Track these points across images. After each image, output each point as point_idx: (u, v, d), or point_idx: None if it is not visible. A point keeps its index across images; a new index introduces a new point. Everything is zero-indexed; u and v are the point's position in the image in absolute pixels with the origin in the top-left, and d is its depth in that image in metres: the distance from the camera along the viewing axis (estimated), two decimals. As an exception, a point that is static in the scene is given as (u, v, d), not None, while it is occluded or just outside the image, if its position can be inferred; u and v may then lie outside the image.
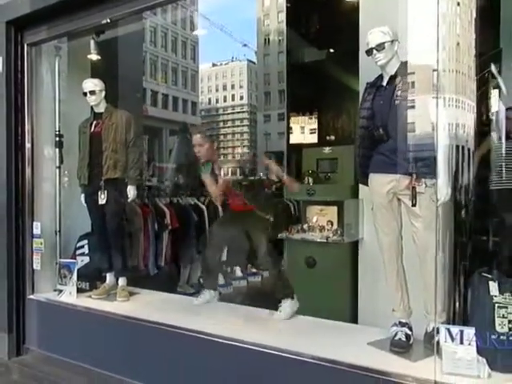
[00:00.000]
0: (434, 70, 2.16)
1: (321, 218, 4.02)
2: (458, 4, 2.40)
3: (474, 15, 2.41)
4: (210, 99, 44.11)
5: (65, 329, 3.32)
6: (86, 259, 3.74)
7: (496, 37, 3.45)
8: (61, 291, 3.44)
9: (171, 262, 4.58)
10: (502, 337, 1.98)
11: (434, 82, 2.16)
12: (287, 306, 2.89)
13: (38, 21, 3.47)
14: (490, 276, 2.11)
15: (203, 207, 4.82)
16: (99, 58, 3.67)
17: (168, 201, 4.77)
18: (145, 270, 4.30)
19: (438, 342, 2.01)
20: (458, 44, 2.36)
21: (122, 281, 3.44)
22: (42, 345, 3.47)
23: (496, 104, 3.03)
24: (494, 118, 3.00)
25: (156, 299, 3.49)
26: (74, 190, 3.60)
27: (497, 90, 3.05)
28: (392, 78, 2.30)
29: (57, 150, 3.80)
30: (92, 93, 3.36)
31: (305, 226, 4.03)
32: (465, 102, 2.34)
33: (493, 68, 3.00)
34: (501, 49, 3.39)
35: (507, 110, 2.84)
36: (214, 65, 43.67)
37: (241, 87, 42.87)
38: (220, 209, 4.45)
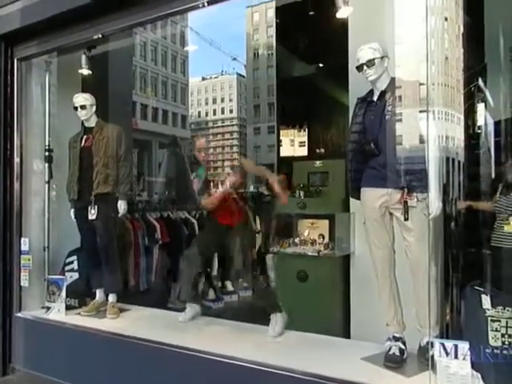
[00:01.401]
0: (420, 84, 2.19)
1: (312, 232, 4.02)
2: (446, 19, 2.45)
3: (462, 30, 2.46)
4: (199, 112, 44.26)
5: (53, 347, 3.24)
6: (75, 275, 3.68)
7: (481, 52, 3.53)
8: (49, 308, 3.37)
9: (162, 277, 4.52)
10: (495, 350, 1.98)
11: (420, 96, 2.19)
12: (277, 321, 2.86)
13: (28, 36, 3.46)
14: (482, 289, 2.12)
15: (194, 221, 4.80)
16: (90, 72, 3.66)
17: (158, 215, 4.74)
18: (135, 286, 4.24)
19: (432, 357, 2.00)
20: (446, 58, 2.40)
21: (111, 297, 3.39)
22: (29, 364, 3.38)
23: (484, 117, 3.08)
24: (481, 130, 3.05)
25: (146, 315, 3.44)
26: (64, 205, 3.55)
27: (484, 104, 3.11)
28: (382, 94, 2.34)
29: (46, 164, 3.76)
30: (83, 107, 3.35)
31: (296, 240, 4.02)
32: (454, 115, 2.38)
33: (480, 82, 3.06)
34: (486, 63, 3.46)
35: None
36: (203, 78, 43.92)
37: (230, 100, 43.12)
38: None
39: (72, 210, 3.42)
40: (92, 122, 3.41)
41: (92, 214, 3.26)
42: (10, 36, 3.51)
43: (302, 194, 4.10)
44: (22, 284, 3.53)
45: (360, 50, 2.36)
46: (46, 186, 3.77)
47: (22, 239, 3.56)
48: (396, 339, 2.34)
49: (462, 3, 2.38)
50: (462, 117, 2.37)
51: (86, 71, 3.63)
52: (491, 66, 3.41)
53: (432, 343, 2.02)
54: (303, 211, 3.99)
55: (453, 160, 2.29)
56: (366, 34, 2.63)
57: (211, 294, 4.77)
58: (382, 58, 2.32)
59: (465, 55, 2.46)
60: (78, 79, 3.93)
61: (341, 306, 3.48)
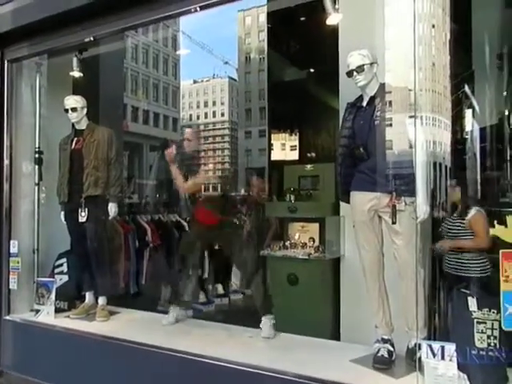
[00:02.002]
0: (409, 90, 2.23)
1: (303, 235, 4.04)
2: (433, 26, 2.50)
3: (448, 37, 2.51)
4: (191, 115, 44.16)
5: (42, 350, 3.22)
6: (65, 278, 3.65)
7: (469, 59, 3.59)
8: (38, 311, 3.35)
9: (152, 280, 4.51)
10: (481, 352, 2.01)
11: (410, 101, 2.23)
12: (268, 322, 2.88)
13: (19, 37, 3.45)
14: (468, 292, 2.16)
15: (185, 224, 4.79)
16: (81, 74, 3.65)
17: (149, 218, 4.73)
18: (125, 289, 4.23)
19: (419, 358, 2.03)
20: (433, 64, 2.45)
21: (101, 300, 3.38)
22: (18, 367, 3.34)
23: (471, 123, 3.14)
24: (468, 136, 3.11)
25: (137, 318, 3.43)
26: (54, 208, 3.53)
27: (471, 110, 3.16)
28: (372, 99, 2.38)
29: (36, 166, 3.74)
30: (74, 110, 3.34)
31: (287, 243, 4.04)
32: (441, 121, 2.42)
33: (466, 88, 3.12)
34: (473, 70, 3.53)
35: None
36: (195, 81, 43.85)
37: (222, 104, 43.10)
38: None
39: (62, 213, 3.41)
40: (83, 125, 3.40)
41: (82, 216, 3.25)
42: (1, 37, 3.48)
43: (292, 197, 4.12)
44: (10, 287, 3.50)
45: (350, 56, 2.40)
46: (36, 188, 3.75)
47: (11, 241, 3.53)
48: (384, 341, 2.37)
49: (449, 11, 2.42)
50: (449, 122, 2.41)
51: (77, 73, 3.63)
52: (478, 72, 3.48)
53: (419, 345, 2.05)
54: (294, 215, 4.01)
55: (440, 165, 2.33)
56: (356, 40, 2.67)
57: (202, 297, 4.77)
58: (371, 64, 2.36)
59: (452, 62, 2.51)
60: (69, 81, 3.93)
61: (331, 309, 3.50)
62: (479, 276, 2.81)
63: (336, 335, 3.23)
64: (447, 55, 2.54)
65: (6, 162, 3.57)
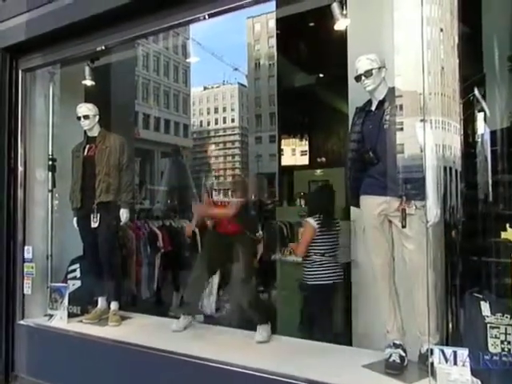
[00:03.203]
0: (420, 94, 2.23)
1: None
2: (441, 30, 2.50)
3: (457, 41, 2.51)
4: (201, 122, 44.43)
5: (55, 355, 3.26)
6: (78, 283, 3.69)
7: (480, 62, 3.57)
8: (51, 316, 3.39)
9: (164, 286, 4.54)
10: (494, 357, 1.99)
11: (420, 105, 2.23)
12: (264, 329, 2.89)
13: (33, 48, 3.53)
14: (481, 296, 2.13)
15: (196, 230, 4.81)
16: (93, 83, 3.72)
17: (160, 223, 4.77)
18: (137, 294, 4.26)
19: (432, 364, 2.01)
20: (442, 68, 2.44)
21: (113, 305, 3.41)
22: (32, 371, 3.39)
23: (481, 127, 3.11)
24: (479, 139, 3.08)
25: (148, 323, 3.45)
26: (67, 214, 3.59)
27: (482, 113, 3.13)
28: (380, 103, 2.38)
29: (49, 173, 3.81)
30: (86, 117, 3.40)
31: (297, 248, 4.02)
32: (451, 124, 2.41)
33: (476, 92, 3.09)
34: (484, 74, 3.50)
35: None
36: (205, 88, 44.12)
37: (232, 110, 43.28)
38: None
39: (75, 219, 3.46)
40: (95, 132, 3.45)
41: (94, 222, 3.29)
42: (15, 48, 3.57)
43: (302, 202, 4.13)
44: (24, 292, 3.56)
45: (358, 61, 2.41)
46: (49, 194, 3.81)
47: (26, 247, 3.59)
48: (396, 346, 2.35)
49: (458, 14, 2.42)
50: (459, 126, 2.40)
51: (89, 82, 3.69)
52: (489, 75, 3.45)
53: (432, 350, 2.04)
54: (304, 219, 4.01)
55: (450, 169, 2.32)
56: (365, 45, 2.68)
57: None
58: (379, 68, 2.36)
59: (462, 65, 2.50)
60: (81, 90, 3.99)
61: (342, 314, 3.48)
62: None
63: (347, 340, 3.21)
64: (456, 59, 2.53)
65: (21, 169, 3.64)
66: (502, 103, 2.91)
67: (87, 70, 3.62)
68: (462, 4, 2.50)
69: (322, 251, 3.33)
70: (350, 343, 3.15)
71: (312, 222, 3.34)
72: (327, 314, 3.40)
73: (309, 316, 3.47)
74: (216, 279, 3.65)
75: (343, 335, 3.24)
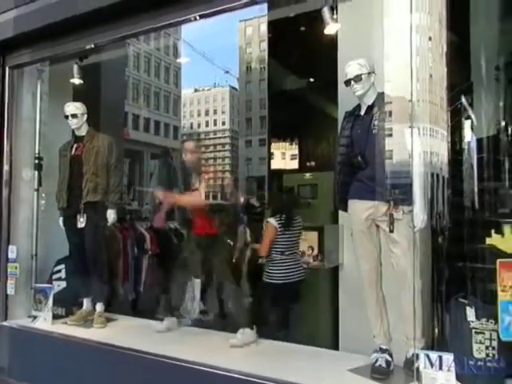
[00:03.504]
0: (409, 101, 2.25)
1: (301, 244, 4.04)
2: (430, 39, 2.53)
3: (445, 49, 2.54)
4: (191, 124, 44.33)
5: (38, 357, 3.20)
6: (63, 284, 3.64)
7: (467, 70, 3.62)
8: (35, 317, 3.34)
9: (151, 288, 4.49)
10: (479, 362, 2.00)
11: (409, 112, 2.25)
12: (241, 334, 2.88)
13: (20, 44, 3.49)
14: (466, 301, 2.15)
15: (184, 232, 4.78)
16: (82, 82, 3.68)
17: (148, 225, 4.72)
18: (123, 296, 4.21)
19: (417, 368, 2.02)
20: (430, 76, 2.47)
21: (99, 306, 3.37)
22: (14, 374, 3.32)
23: (468, 134, 3.15)
24: (466, 147, 3.12)
25: (134, 325, 3.42)
26: (52, 213, 3.54)
27: (469, 121, 3.17)
28: (369, 108, 2.39)
29: (36, 172, 3.75)
30: (74, 116, 3.36)
31: (286, 251, 4.03)
32: (438, 132, 2.44)
33: (463, 100, 3.13)
34: (472, 82, 3.55)
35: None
36: (196, 90, 44.06)
37: (223, 113, 43.27)
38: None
39: (61, 218, 3.42)
40: (83, 131, 3.42)
41: (81, 222, 3.26)
42: (3, 44, 3.53)
43: (291, 205, 4.12)
44: (8, 292, 3.50)
45: (348, 66, 2.42)
46: (35, 193, 3.76)
47: (10, 247, 3.54)
48: (383, 351, 2.35)
49: (446, 23, 2.45)
50: (446, 133, 2.43)
51: (77, 81, 3.65)
52: (476, 84, 3.50)
53: (417, 355, 2.04)
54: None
55: (437, 175, 2.34)
56: (355, 50, 2.70)
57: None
58: (368, 73, 2.38)
59: (449, 74, 2.53)
60: (69, 88, 3.95)
61: (329, 318, 3.49)
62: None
63: (335, 344, 3.22)
64: (444, 67, 2.56)
65: (6, 167, 3.59)
66: (488, 111, 2.96)
67: (75, 68, 3.58)
68: (451, 13, 2.54)
69: (283, 249, 3.45)
70: (337, 347, 3.16)
71: (273, 222, 3.46)
72: (290, 313, 3.51)
73: (266, 314, 3.51)
74: (198, 283, 3.64)
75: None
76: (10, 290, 3.49)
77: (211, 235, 3.12)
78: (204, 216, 3.13)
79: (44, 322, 3.29)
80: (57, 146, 3.54)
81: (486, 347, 2.03)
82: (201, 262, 3.22)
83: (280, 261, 3.44)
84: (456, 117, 2.97)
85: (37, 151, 3.80)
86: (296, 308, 3.58)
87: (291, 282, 3.42)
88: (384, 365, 2.29)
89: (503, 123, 2.99)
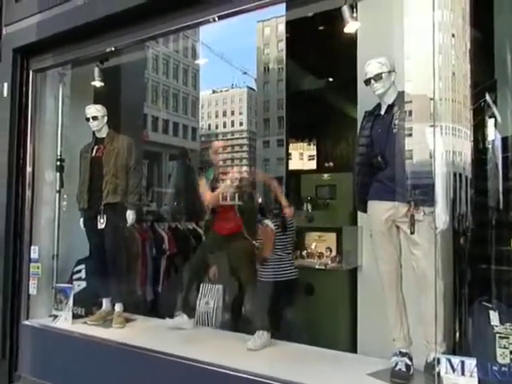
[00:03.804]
0: (430, 99, 2.20)
1: (319, 245, 4.01)
2: (453, 36, 2.47)
3: (469, 46, 2.48)
4: (209, 125, 44.51)
5: (58, 355, 3.25)
6: (83, 284, 3.70)
7: (491, 68, 3.53)
8: (56, 317, 3.39)
9: (169, 288, 4.52)
10: (503, 368, 1.95)
11: (430, 111, 2.20)
12: (258, 337, 2.86)
13: (44, 49, 3.56)
14: (490, 305, 2.09)
15: (201, 232, 4.81)
16: (102, 84, 3.73)
17: (166, 226, 4.76)
18: (142, 296, 4.25)
19: (438, 373, 1.98)
20: (453, 74, 2.41)
21: (118, 307, 3.40)
22: (35, 372, 3.40)
23: (492, 133, 3.07)
24: (490, 146, 3.04)
25: (152, 326, 3.44)
26: (73, 214, 3.60)
27: (493, 119, 3.10)
28: (390, 107, 2.36)
29: (57, 174, 3.82)
30: (94, 118, 3.41)
31: (303, 253, 4.01)
32: (461, 130, 2.38)
33: (487, 98, 3.06)
34: (495, 79, 3.46)
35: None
36: (214, 91, 44.18)
37: (240, 113, 43.31)
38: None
39: (81, 219, 3.47)
40: (103, 133, 3.46)
41: (101, 223, 3.30)
42: (26, 49, 3.61)
43: (309, 206, 4.10)
44: (30, 292, 3.57)
45: (368, 65, 2.39)
46: (57, 195, 3.82)
47: (32, 247, 3.61)
48: (402, 354, 2.31)
49: (470, 20, 2.39)
50: (470, 132, 2.37)
51: (98, 83, 3.71)
52: (501, 81, 3.41)
53: (438, 359, 2.00)
54: (311, 224, 3.99)
55: (460, 175, 2.28)
56: (375, 49, 2.66)
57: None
58: (389, 72, 2.34)
59: (473, 71, 2.47)
60: (90, 91, 4.02)
61: (348, 320, 3.45)
62: None
63: (353, 347, 3.18)
64: (467, 64, 2.50)
65: (29, 169, 3.66)
66: (513, 109, 2.88)
67: (97, 70, 3.64)
68: (474, 9, 2.48)
69: (276, 250, 3.46)
70: (355, 350, 3.12)
71: (270, 224, 3.49)
72: (286, 311, 3.51)
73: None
74: (219, 289, 3.65)
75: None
76: (32, 290, 3.56)
77: (228, 233, 3.16)
78: (226, 215, 3.19)
79: (64, 321, 3.34)
80: (78, 148, 3.60)
81: (511, 352, 1.97)
82: (227, 264, 3.25)
83: (273, 260, 3.45)
84: (479, 115, 2.90)
85: (59, 153, 3.86)
86: (312, 309, 3.56)
87: (283, 281, 3.41)
88: (404, 369, 2.25)
89: (529, 122, 2.90)
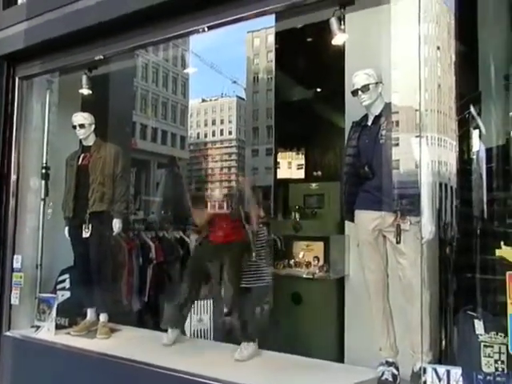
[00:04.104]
0: (416, 110, 2.24)
1: (307, 254, 4.02)
2: (438, 48, 2.52)
3: (454, 59, 2.53)
4: (198, 133, 44.44)
5: (41, 367, 3.18)
6: (67, 294, 3.62)
7: (476, 80, 3.60)
8: (38, 327, 3.33)
9: (155, 298, 4.47)
10: (488, 377, 1.96)
11: (417, 122, 2.23)
12: (245, 348, 2.82)
13: (31, 56, 3.53)
14: (475, 314, 2.11)
15: (189, 241, 4.77)
16: (90, 92, 3.71)
17: (154, 234, 4.72)
18: (128, 306, 4.19)
19: (425, 382, 1.98)
20: (439, 86, 2.46)
21: (103, 317, 3.35)
22: (17, 384, 3.31)
23: (477, 144, 3.12)
24: (474, 157, 3.09)
25: (138, 336, 3.40)
26: (58, 223, 3.54)
27: (477, 131, 3.15)
28: (377, 118, 2.38)
29: (43, 181, 3.77)
30: (81, 126, 3.38)
31: (291, 262, 4.01)
32: (446, 141, 2.42)
33: (472, 109, 3.11)
34: (480, 91, 3.53)
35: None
36: (203, 100, 44.22)
37: (229, 122, 43.30)
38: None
39: (66, 228, 3.42)
40: (90, 141, 3.44)
41: (86, 232, 3.25)
42: (13, 56, 3.58)
43: (297, 215, 4.11)
44: (12, 302, 3.49)
45: (355, 76, 2.42)
46: (42, 203, 3.77)
47: (15, 256, 3.54)
48: (389, 364, 2.31)
49: (454, 33, 2.44)
50: (455, 143, 2.41)
51: (86, 91, 3.68)
52: (485, 93, 3.48)
53: (425, 368, 2.00)
54: (298, 233, 3.99)
55: (445, 185, 2.32)
56: (362, 60, 2.70)
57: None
58: (376, 83, 2.37)
59: (458, 83, 2.52)
60: (78, 98, 3.98)
61: (335, 330, 3.44)
62: None
63: (340, 357, 3.17)
64: (453, 76, 2.55)
65: (14, 176, 3.61)
66: (497, 121, 2.93)
67: (84, 78, 3.61)
68: (459, 23, 2.53)
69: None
70: (342, 359, 3.11)
71: None
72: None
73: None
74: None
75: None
76: (14, 300, 3.48)
77: (222, 242, 3.12)
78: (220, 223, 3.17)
79: (47, 332, 3.27)
80: (64, 155, 3.56)
81: (495, 361, 1.98)
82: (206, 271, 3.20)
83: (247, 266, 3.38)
84: (464, 126, 2.95)
85: (44, 161, 3.82)
86: (299, 318, 3.54)
87: (255, 287, 3.37)
88: (390, 378, 2.25)
89: (512, 133, 2.96)
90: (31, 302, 3.54)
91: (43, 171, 3.78)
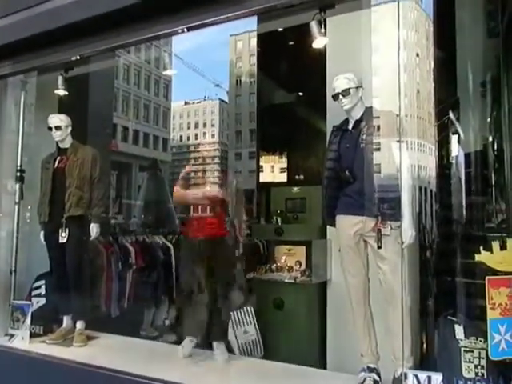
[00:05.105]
0: (396, 115, 2.24)
1: (289, 258, 3.99)
2: (417, 55, 2.54)
3: (432, 65, 2.55)
4: (181, 136, 44.27)
5: (15, 377, 3.07)
6: (43, 301, 3.52)
7: (454, 86, 3.65)
8: (12, 336, 3.21)
9: (135, 304, 4.38)
10: (469, 382, 1.96)
11: (397, 127, 2.24)
12: (221, 347, 2.80)
13: (4, 55, 3.42)
14: (455, 319, 2.11)
15: (170, 246, 4.70)
16: (67, 93, 3.61)
17: (134, 239, 4.63)
18: (106, 312, 4.09)
19: (406, 388, 1.97)
20: (418, 91, 2.48)
21: (79, 324, 3.26)
22: (-12, 396, 3.19)
23: (456, 149, 3.16)
24: (453, 161, 3.13)
25: (117, 343, 3.31)
26: (33, 227, 3.44)
27: (456, 136, 3.19)
28: (357, 122, 2.38)
29: (17, 185, 3.66)
30: (57, 128, 3.30)
31: (273, 266, 3.98)
32: (426, 146, 2.44)
33: (451, 115, 3.15)
34: (458, 97, 3.58)
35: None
36: (186, 103, 44.12)
37: (212, 125, 43.32)
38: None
39: (42, 233, 3.32)
40: (67, 144, 3.35)
41: (63, 236, 3.17)
42: (-14, 55, 3.46)
43: (279, 220, 4.09)
44: (-16, 310, 3.37)
45: (336, 80, 2.41)
46: (16, 207, 3.66)
47: (-13, 262, 3.42)
48: (370, 370, 2.30)
49: (434, 40, 2.47)
50: (434, 148, 2.43)
51: (62, 92, 3.58)
52: (463, 99, 3.53)
53: (406, 374, 2.00)
54: (280, 237, 3.97)
55: (425, 189, 2.33)
56: (343, 65, 2.70)
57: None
58: (356, 87, 2.37)
59: (437, 89, 2.54)
60: (55, 99, 3.89)
61: (317, 335, 3.42)
62: None
63: (323, 362, 3.15)
64: (432, 82, 2.57)
65: (-13, 180, 3.49)
66: (475, 126, 2.97)
67: (60, 79, 3.51)
68: (438, 30, 2.55)
69: None
70: (324, 366, 3.09)
71: None
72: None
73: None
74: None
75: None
76: (-13, 307, 3.36)
77: (208, 237, 2.97)
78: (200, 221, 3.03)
79: (21, 340, 3.16)
80: (40, 158, 3.46)
81: (476, 366, 1.99)
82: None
83: None
84: (443, 131, 2.98)
85: (19, 163, 3.70)
86: (281, 323, 3.50)
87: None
88: (372, 384, 2.23)
89: (490, 139, 3.00)
90: (5, 310, 3.42)
91: (18, 174, 3.67)
